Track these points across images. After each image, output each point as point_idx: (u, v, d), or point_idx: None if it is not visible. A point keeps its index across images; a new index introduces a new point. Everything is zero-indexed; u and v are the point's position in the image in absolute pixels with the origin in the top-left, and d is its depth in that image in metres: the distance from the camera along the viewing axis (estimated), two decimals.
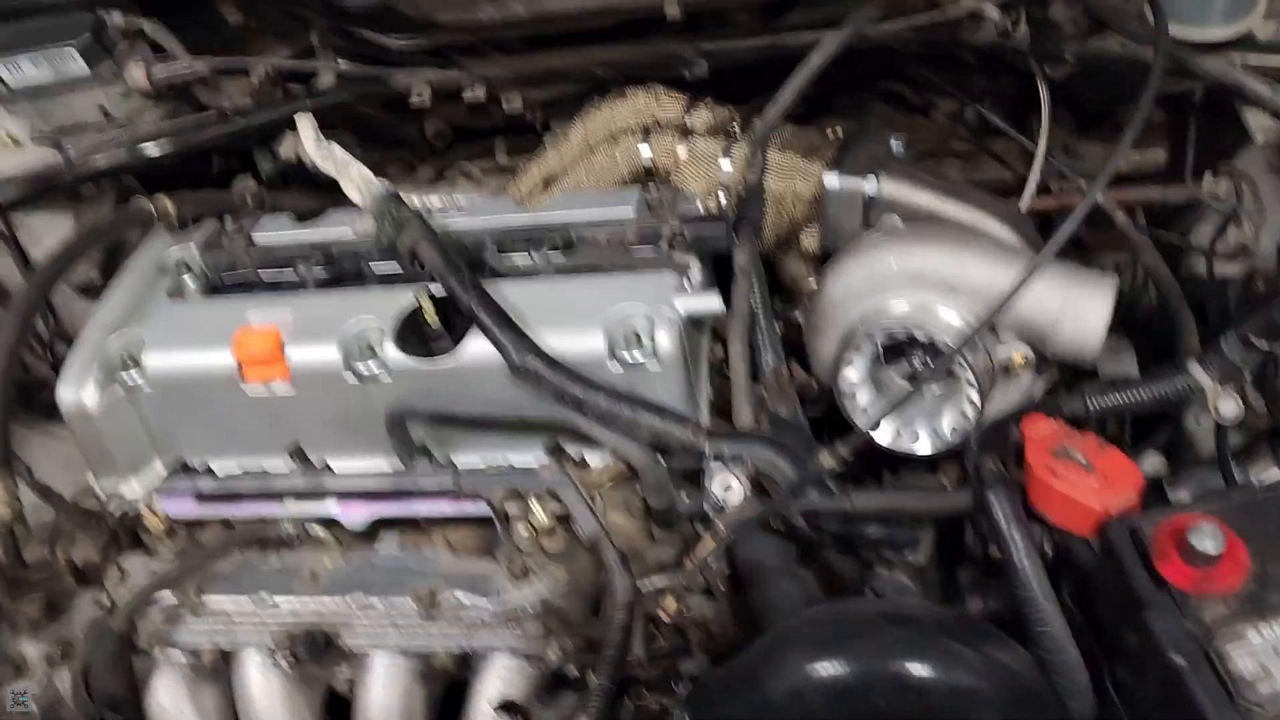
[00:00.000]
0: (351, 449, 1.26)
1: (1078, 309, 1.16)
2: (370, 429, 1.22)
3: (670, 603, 1.09)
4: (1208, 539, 0.85)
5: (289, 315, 1.27)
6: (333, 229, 1.39)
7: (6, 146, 1.53)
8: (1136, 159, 1.67)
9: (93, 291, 1.53)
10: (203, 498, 1.26)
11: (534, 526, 1.13)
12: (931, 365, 1.27)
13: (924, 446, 1.23)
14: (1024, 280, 0.97)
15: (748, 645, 1.20)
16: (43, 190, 1.48)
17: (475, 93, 1.51)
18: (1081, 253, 1.60)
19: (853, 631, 0.95)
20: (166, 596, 1.18)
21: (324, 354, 1.22)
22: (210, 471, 1.30)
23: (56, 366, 1.51)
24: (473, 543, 1.22)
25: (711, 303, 1.18)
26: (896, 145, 1.39)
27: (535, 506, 1.10)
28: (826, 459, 0.98)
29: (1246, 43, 1.32)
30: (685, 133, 1.42)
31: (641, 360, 1.15)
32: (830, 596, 1.19)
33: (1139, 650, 0.89)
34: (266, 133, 1.55)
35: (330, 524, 1.21)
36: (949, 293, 1.20)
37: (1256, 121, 1.26)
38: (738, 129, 1.41)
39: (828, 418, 1.30)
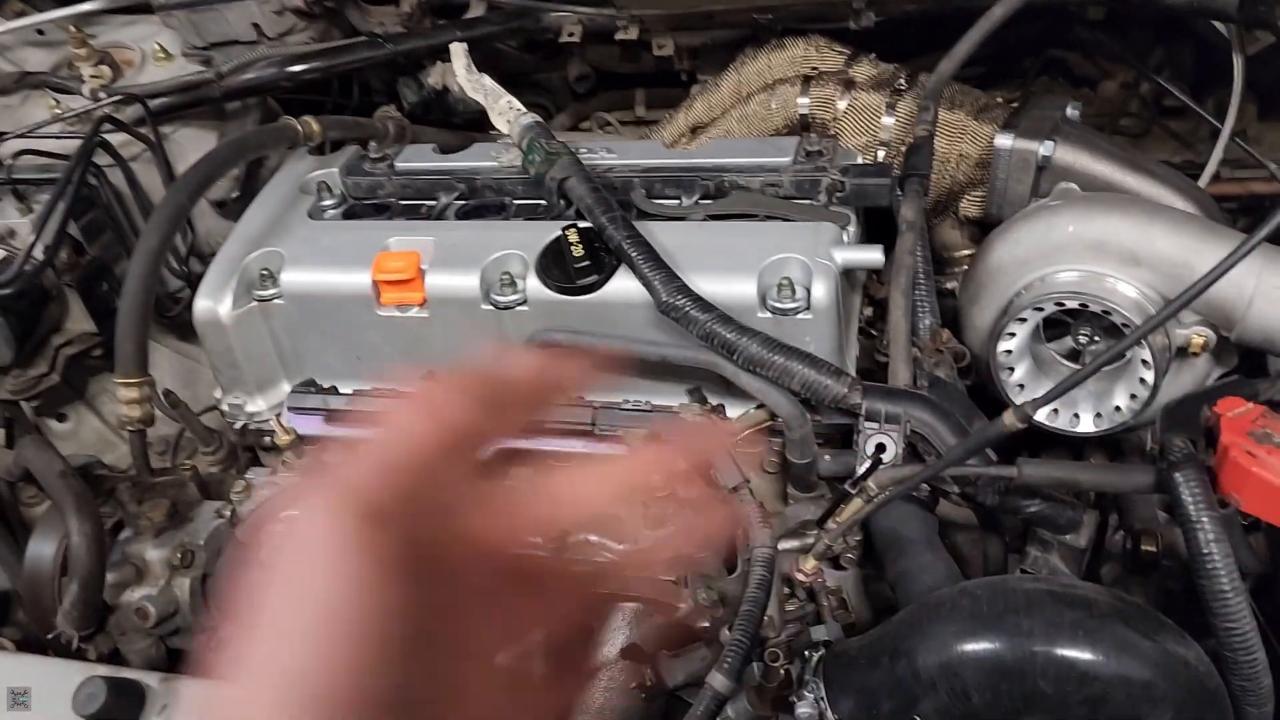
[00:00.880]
0: None
1: (1276, 290, 1.07)
2: None
3: (811, 564, 1.03)
4: None
5: (429, 242, 1.24)
6: (476, 161, 1.36)
7: (159, 58, 1.54)
8: None
9: (228, 208, 1.53)
10: (331, 417, 1.24)
11: None
12: (1099, 341, 1.20)
13: (1085, 427, 1.16)
14: (1236, 257, 0.88)
15: (885, 616, 1.16)
16: (190, 103, 1.48)
17: (628, 33, 1.47)
18: None
19: (1018, 608, 0.89)
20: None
21: (464, 281, 1.19)
22: (335, 392, 1.29)
23: (190, 281, 1.51)
24: None
25: (872, 256, 1.12)
26: (1073, 111, 1.31)
27: None
28: (1010, 419, 0.91)
29: None
30: (848, 85, 1.36)
31: (795, 309, 1.10)
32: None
33: None
34: (414, 61, 1.53)
35: None
36: (1131, 265, 1.12)
37: None
38: (904, 83, 1.34)
39: (973, 391, 1.23)
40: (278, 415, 1.31)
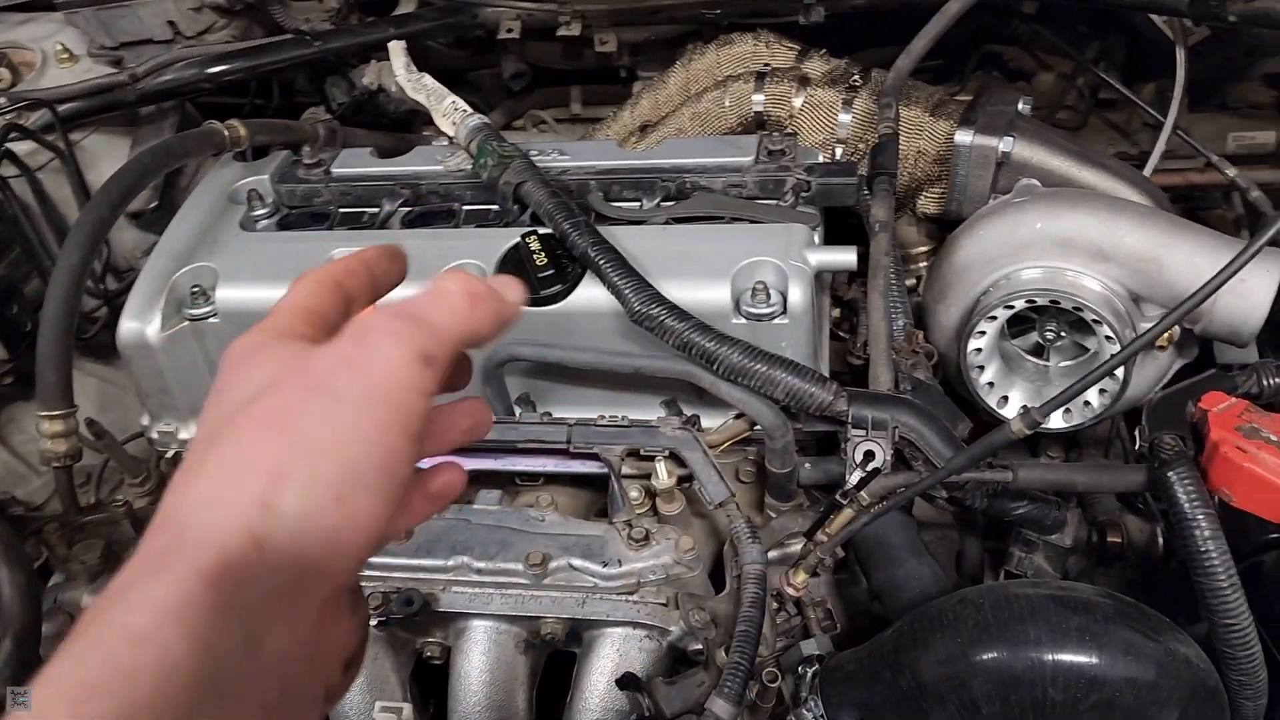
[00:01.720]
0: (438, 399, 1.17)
1: (1242, 283, 1.08)
2: None
3: (802, 577, 1.00)
4: None
5: None
6: (420, 165, 1.30)
7: (62, 60, 1.43)
8: (1248, 140, 1.60)
9: (147, 219, 1.43)
10: None
11: (653, 488, 1.04)
12: (1065, 336, 1.20)
13: (1056, 423, 1.16)
14: (1236, 267, 0.88)
15: (861, 623, 1.14)
16: (102, 108, 1.37)
17: (571, 29, 1.41)
18: None
19: (1022, 615, 0.87)
20: None
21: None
22: None
23: (107, 299, 1.41)
24: (572, 504, 1.13)
25: (846, 257, 1.10)
26: (1024, 106, 1.31)
27: (661, 467, 1.02)
28: (1018, 426, 0.89)
29: None
30: (803, 81, 1.33)
31: (770, 314, 1.07)
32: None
33: None
34: (343, 60, 1.45)
35: None
36: (1099, 260, 1.12)
37: None
38: (858, 79, 1.32)
39: None
40: None
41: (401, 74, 1.28)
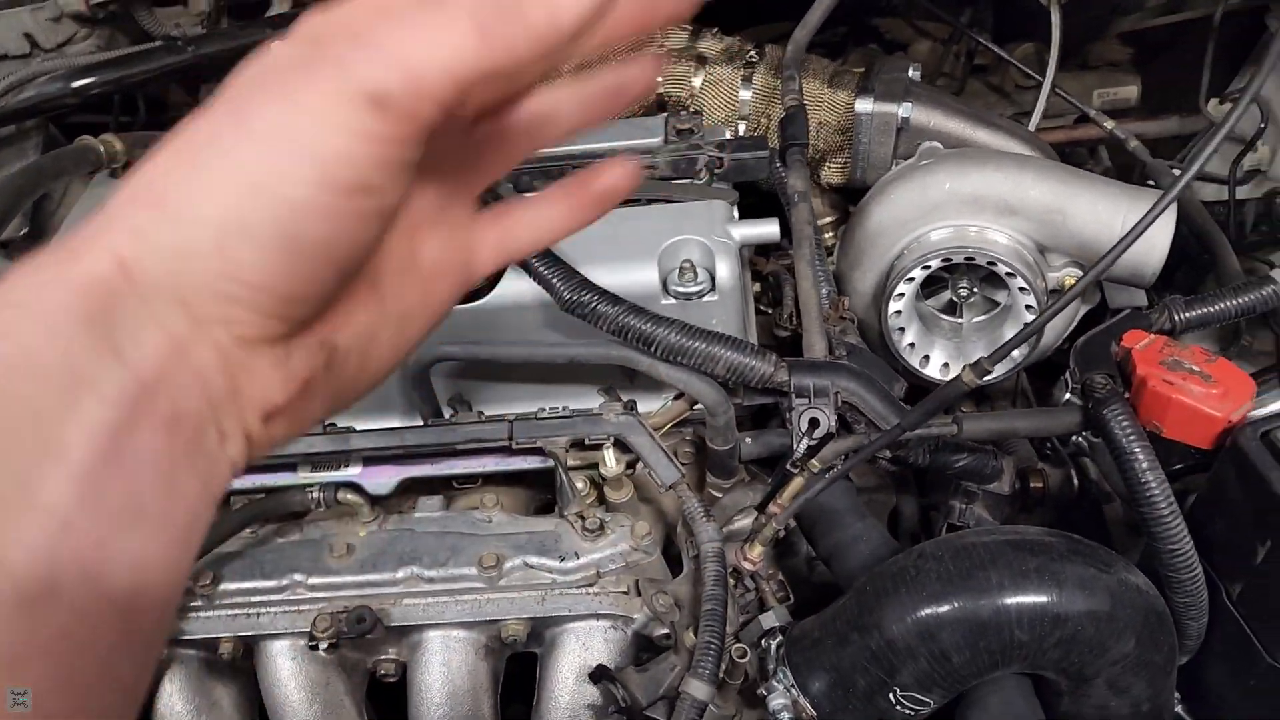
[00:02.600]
0: (366, 408, 1.13)
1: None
2: (385, 385, 1.09)
3: (758, 550, 1.00)
4: None
5: None
6: None
7: None
8: (1111, 95, 1.68)
9: (16, 247, 1.33)
10: None
11: (599, 477, 1.02)
12: (977, 292, 1.24)
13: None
14: (1150, 220, 0.91)
15: (808, 591, 1.15)
16: None
17: None
18: None
19: (983, 563, 0.89)
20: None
21: None
22: None
23: None
24: (513, 503, 1.10)
25: (769, 230, 1.10)
26: (914, 72, 1.34)
27: (609, 454, 1.00)
28: (969, 376, 0.91)
29: None
30: (700, 61, 1.33)
31: (699, 292, 1.06)
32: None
33: None
34: (218, 66, 1.37)
35: (354, 489, 1.06)
36: (1007, 215, 1.15)
37: None
38: (754, 55, 1.33)
39: None
40: None
41: None
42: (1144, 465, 0.92)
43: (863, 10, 1.64)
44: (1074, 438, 1.14)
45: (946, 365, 1.22)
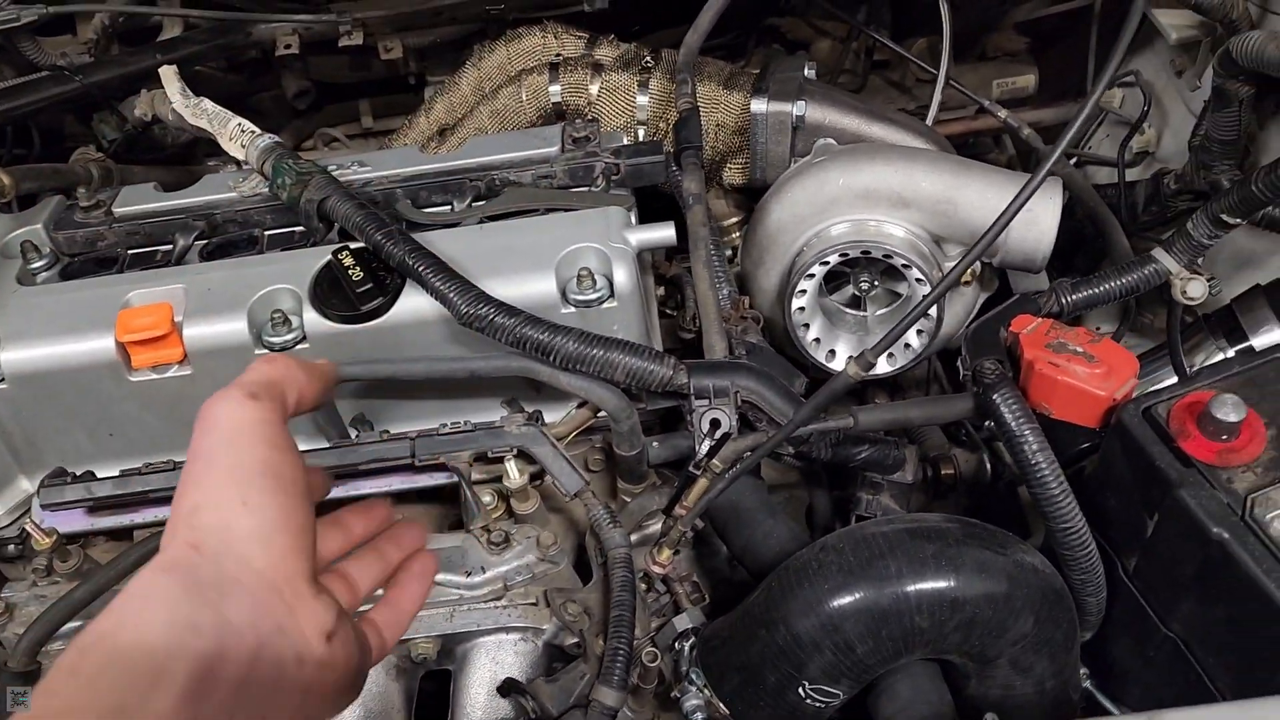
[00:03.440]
0: None
1: (1029, 213, 1.15)
2: None
3: (666, 554, 1.00)
4: (1230, 409, 0.85)
5: (179, 290, 1.11)
6: (211, 194, 1.23)
7: None
8: (1009, 85, 1.71)
9: None
10: (98, 506, 1.08)
11: (506, 489, 1.02)
12: (878, 285, 1.25)
13: (882, 368, 1.21)
14: (1026, 195, 0.93)
15: (725, 591, 1.16)
16: None
17: (353, 38, 1.37)
18: None
19: (882, 552, 0.90)
20: (74, 625, 1.00)
21: (229, 326, 1.07)
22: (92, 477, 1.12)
23: None
24: (429, 520, 1.10)
25: (665, 234, 1.10)
26: (809, 71, 1.35)
27: (511, 466, 1.00)
28: (854, 369, 0.92)
29: None
30: (596, 68, 1.33)
31: (598, 299, 1.06)
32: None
33: (1169, 532, 0.88)
34: (109, 94, 1.36)
35: None
36: (900, 208, 1.17)
37: (1168, 20, 1.29)
38: (650, 60, 1.34)
39: None
40: (22, 517, 1.14)
41: (178, 100, 1.21)
42: (1034, 447, 0.94)
43: (761, 11, 1.65)
44: (988, 423, 1.17)
45: (852, 359, 1.24)
